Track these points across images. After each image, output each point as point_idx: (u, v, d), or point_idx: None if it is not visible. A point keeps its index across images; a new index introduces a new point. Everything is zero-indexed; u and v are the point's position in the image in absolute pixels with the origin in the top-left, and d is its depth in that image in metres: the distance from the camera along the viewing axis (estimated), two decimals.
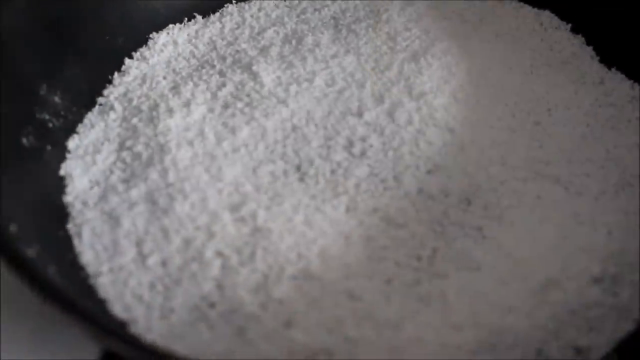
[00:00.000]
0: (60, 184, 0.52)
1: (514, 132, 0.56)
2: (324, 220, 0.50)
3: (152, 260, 0.48)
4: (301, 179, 0.53)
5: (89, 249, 0.49)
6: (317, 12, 0.66)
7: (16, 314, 0.43)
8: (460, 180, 0.53)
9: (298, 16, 0.66)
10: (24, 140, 0.51)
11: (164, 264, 0.48)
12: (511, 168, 0.54)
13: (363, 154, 0.54)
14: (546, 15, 0.66)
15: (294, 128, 0.55)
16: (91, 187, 0.52)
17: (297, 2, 0.67)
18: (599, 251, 0.49)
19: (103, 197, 0.52)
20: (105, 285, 0.48)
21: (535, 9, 0.67)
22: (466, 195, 0.52)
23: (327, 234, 0.50)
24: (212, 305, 0.47)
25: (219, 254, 0.48)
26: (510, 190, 0.53)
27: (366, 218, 0.51)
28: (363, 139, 0.55)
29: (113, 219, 0.50)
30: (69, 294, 0.42)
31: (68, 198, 0.52)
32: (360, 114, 0.56)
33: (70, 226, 0.50)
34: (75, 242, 0.50)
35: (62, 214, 0.51)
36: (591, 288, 0.48)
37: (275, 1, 0.67)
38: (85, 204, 0.52)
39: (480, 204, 0.52)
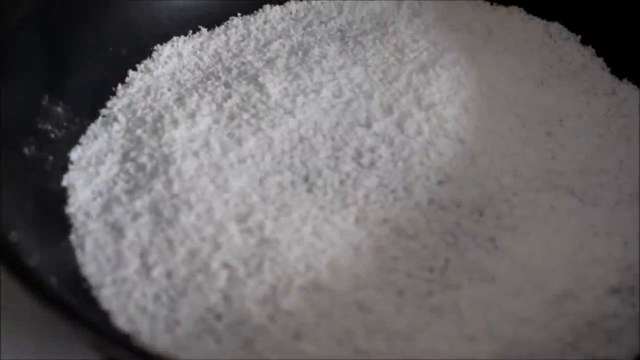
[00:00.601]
0: (62, 195, 0.51)
1: (526, 143, 0.55)
2: (333, 231, 0.49)
3: (157, 272, 0.47)
4: (309, 190, 0.52)
5: (92, 260, 0.48)
6: (323, 25, 0.65)
7: (17, 313, 0.42)
8: (472, 190, 0.52)
9: (304, 29, 0.65)
10: (26, 150, 0.51)
11: (168, 275, 0.47)
12: (524, 179, 0.53)
13: (372, 164, 0.53)
14: (555, 27, 0.65)
15: (301, 139, 0.55)
16: (94, 199, 0.51)
17: (303, 14, 0.66)
18: (615, 262, 0.48)
19: (106, 208, 0.51)
20: (109, 297, 0.46)
21: (544, 21, 0.66)
22: (478, 206, 0.51)
23: (337, 244, 0.49)
24: (218, 317, 0.45)
25: (226, 265, 0.47)
26: (523, 200, 0.52)
27: (376, 229, 0.50)
28: (372, 150, 0.54)
29: (116, 230, 0.49)
30: (71, 302, 0.41)
31: (70, 209, 0.51)
32: (368, 125, 0.55)
33: (72, 237, 0.49)
34: (78, 253, 0.48)
35: (64, 225, 0.50)
36: (609, 299, 0.46)
37: (281, 14, 0.66)
38: (88, 215, 0.50)
39: (492, 214, 0.51)
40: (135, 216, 0.50)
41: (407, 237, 0.49)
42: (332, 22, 0.65)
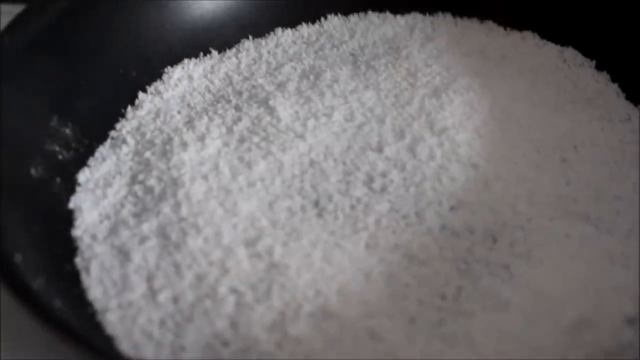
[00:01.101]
0: (68, 217, 0.51)
1: (540, 169, 0.55)
2: (343, 257, 0.48)
3: (163, 297, 0.46)
4: (319, 215, 0.51)
5: (97, 284, 0.47)
6: (335, 49, 0.65)
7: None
8: (485, 217, 0.51)
9: (316, 52, 0.64)
10: (33, 171, 0.50)
11: (175, 300, 0.46)
12: (538, 205, 0.52)
13: (383, 189, 0.52)
14: (569, 52, 0.64)
15: (312, 163, 0.54)
16: (101, 221, 0.51)
17: (314, 38, 0.66)
18: (632, 290, 0.47)
19: (113, 231, 0.50)
20: (114, 321, 0.45)
21: (558, 46, 0.65)
22: (492, 233, 0.50)
23: (347, 270, 0.48)
24: (225, 343, 0.44)
25: (233, 290, 0.46)
26: (537, 227, 0.51)
27: (387, 255, 0.49)
28: (383, 175, 0.53)
29: (123, 254, 0.49)
30: (75, 327, 0.40)
31: (77, 232, 0.50)
32: (380, 149, 0.55)
33: (78, 260, 0.49)
34: (83, 276, 0.48)
35: (69, 247, 0.49)
36: (625, 329, 0.45)
37: (292, 37, 0.66)
38: (94, 237, 0.50)
39: (506, 241, 0.50)
40: (143, 239, 0.49)
41: (419, 263, 0.49)
42: (344, 46, 0.65)
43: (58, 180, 0.52)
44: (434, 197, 0.52)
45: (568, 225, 0.51)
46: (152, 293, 0.46)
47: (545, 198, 0.52)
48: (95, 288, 0.47)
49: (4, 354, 0.47)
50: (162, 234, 0.49)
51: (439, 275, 0.48)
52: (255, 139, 0.55)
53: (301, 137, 0.55)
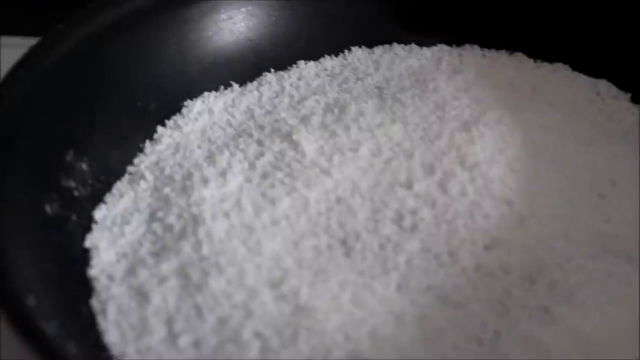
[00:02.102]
0: (84, 257, 0.49)
1: (577, 206, 0.52)
2: (374, 299, 0.46)
3: (184, 341, 0.44)
4: (347, 254, 0.49)
5: (115, 327, 0.45)
6: (359, 81, 0.63)
7: None
8: (522, 256, 0.49)
9: (340, 85, 0.62)
10: (47, 208, 0.48)
11: (196, 345, 0.44)
12: (576, 243, 0.50)
13: (414, 227, 0.50)
14: (603, 85, 0.62)
15: (339, 200, 0.52)
16: (118, 261, 0.49)
17: (338, 71, 0.64)
18: None
19: (131, 271, 0.48)
20: None
21: (591, 78, 0.63)
22: (529, 273, 0.48)
23: (377, 313, 0.45)
24: None
25: (258, 334, 0.44)
26: (577, 267, 0.48)
27: (419, 297, 0.47)
28: (413, 212, 0.51)
29: (141, 295, 0.47)
30: None
31: (93, 271, 0.48)
32: (409, 185, 0.53)
33: (94, 302, 0.47)
34: (100, 319, 0.46)
35: (85, 288, 0.47)
36: None
37: (315, 70, 0.64)
38: (111, 278, 0.48)
39: (545, 282, 0.48)
40: (162, 280, 0.47)
41: (453, 305, 0.46)
42: (369, 78, 0.63)
43: (74, 217, 0.50)
44: (467, 235, 0.50)
45: (609, 264, 0.49)
46: (172, 337, 0.44)
47: (584, 236, 0.50)
48: (113, 331, 0.45)
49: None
50: (183, 274, 0.47)
51: (474, 319, 0.46)
52: (279, 175, 0.53)
53: (327, 172, 0.53)
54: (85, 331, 0.45)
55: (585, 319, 0.45)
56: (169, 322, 0.45)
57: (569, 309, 0.46)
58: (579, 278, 0.48)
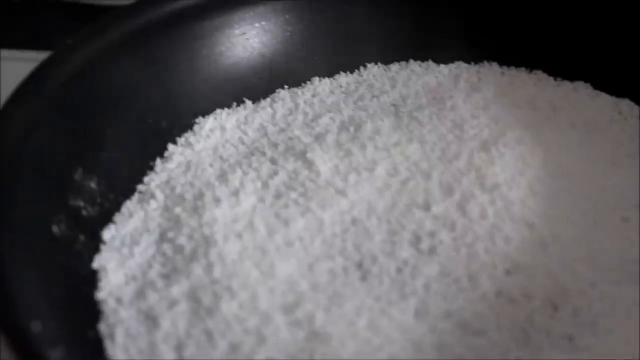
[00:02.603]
0: (92, 278, 0.47)
1: (601, 229, 0.51)
2: (391, 325, 0.45)
3: None
4: (363, 278, 0.47)
5: (123, 352, 0.44)
6: (375, 99, 0.62)
7: None
8: (544, 281, 0.47)
9: (355, 103, 0.61)
10: (55, 229, 0.47)
11: None
12: (601, 269, 0.48)
13: (432, 250, 0.49)
14: (625, 104, 0.61)
15: (354, 221, 0.50)
16: (127, 283, 0.48)
17: (353, 88, 0.63)
18: None
19: (140, 294, 0.47)
20: None
21: (613, 97, 0.61)
22: (552, 299, 0.46)
23: (395, 340, 0.44)
24: None
25: None
26: (602, 294, 0.47)
27: (438, 323, 0.45)
28: (432, 234, 0.49)
29: (150, 319, 0.45)
30: None
31: (101, 294, 0.47)
32: (427, 207, 0.51)
33: (102, 326, 0.45)
34: (107, 344, 0.44)
35: (93, 312, 0.46)
36: None
37: (330, 87, 0.63)
38: (119, 301, 0.46)
39: (568, 309, 0.46)
40: (172, 304, 0.46)
41: (474, 332, 0.45)
42: (385, 96, 0.62)
43: (82, 237, 0.48)
44: (488, 259, 0.48)
45: (635, 291, 0.47)
46: None
47: (608, 261, 0.49)
48: (121, 357, 0.44)
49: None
50: (193, 297, 0.46)
51: (495, 347, 0.44)
52: (293, 195, 0.52)
53: (342, 193, 0.52)
54: (93, 356, 0.43)
55: (610, 349, 0.44)
56: (179, 347, 0.44)
57: (594, 337, 0.44)
58: (603, 305, 0.46)
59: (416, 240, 0.49)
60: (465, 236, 0.49)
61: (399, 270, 0.48)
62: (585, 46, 0.63)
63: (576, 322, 0.45)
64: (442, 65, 0.64)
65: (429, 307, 0.46)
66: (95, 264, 0.48)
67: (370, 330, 0.44)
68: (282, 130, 0.58)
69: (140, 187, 0.54)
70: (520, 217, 0.51)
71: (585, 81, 0.63)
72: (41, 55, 0.53)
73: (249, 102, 0.61)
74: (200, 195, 0.52)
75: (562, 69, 0.63)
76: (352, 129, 0.57)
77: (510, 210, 0.51)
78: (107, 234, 0.50)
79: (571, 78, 0.63)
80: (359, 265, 0.48)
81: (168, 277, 0.47)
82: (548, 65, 0.63)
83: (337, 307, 0.45)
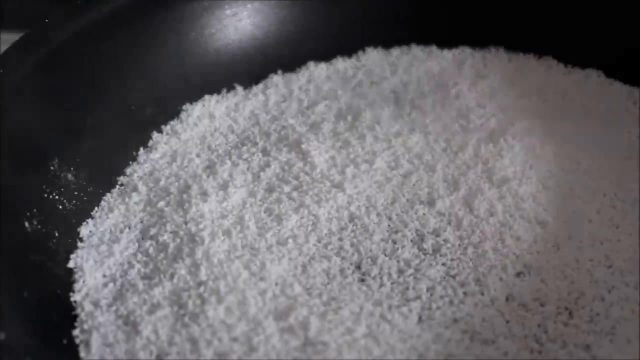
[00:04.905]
0: (67, 279, 0.45)
1: (618, 228, 0.48)
2: (392, 333, 0.42)
3: None
4: (362, 280, 0.45)
5: None
6: (374, 86, 0.59)
7: None
8: (558, 285, 0.45)
9: (353, 89, 0.59)
10: (27, 225, 0.45)
11: None
12: (618, 271, 0.46)
13: (436, 250, 0.47)
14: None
15: (352, 218, 0.49)
16: (105, 284, 0.45)
17: (351, 73, 0.60)
18: None
19: (119, 297, 0.44)
20: None
21: (627, 86, 0.58)
22: (566, 305, 0.44)
23: (397, 349, 0.41)
24: None
25: None
26: (620, 298, 0.44)
27: (444, 331, 0.43)
28: (436, 233, 0.48)
29: (130, 325, 0.43)
30: None
31: (76, 296, 0.45)
32: (431, 203, 0.49)
33: (76, 332, 0.43)
34: (82, 352, 0.42)
35: (67, 316, 0.43)
36: None
37: (326, 72, 0.60)
38: (96, 304, 0.44)
39: (584, 315, 0.43)
40: (153, 308, 0.43)
41: (482, 341, 0.42)
42: (385, 82, 0.60)
43: (57, 234, 0.46)
44: (497, 260, 0.46)
45: None
46: None
47: (626, 262, 0.46)
48: None
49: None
50: (177, 301, 0.44)
51: (507, 357, 0.42)
52: (286, 189, 0.50)
53: (339, 187, 0.50)
54: None
55: (631, 358, 0.41)
56: (160, 356, 0.41)
57: (613, 346, 0.42)
58: (622, 311, 0.44)
59: (419, 239, 0.48)
60: (472, 235, 0.47)
61: (400, 272, 0.46)
62: (598, 31, 0.60)
63: (593, 329, 0.43)
64: (445, 50, 0.62)
65: (434, 312, 0.44)
66: (71, 263, 0.46)
67: (370, 338, 0.42)
68: (275, 118, 0.56)
69: (121, 179, 0.52)
70: (532, 214, 0.49)
71: (598, 68, 0.60)
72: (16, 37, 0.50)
73: (239, 88, 0.59)
74: (186, 188, 0.50)
75: (573, 55, 0.60)
76: (349, 117, 0.55)
77: (521, 207, 0.49)
78: (85, 230, 0.48)
79: (582, 65, 0.60)
80: (358, 266, 0.46)
81: (150, 278, 0.45)
82: (558, 50, 0.61)
83: (333, 312, 0.43)
